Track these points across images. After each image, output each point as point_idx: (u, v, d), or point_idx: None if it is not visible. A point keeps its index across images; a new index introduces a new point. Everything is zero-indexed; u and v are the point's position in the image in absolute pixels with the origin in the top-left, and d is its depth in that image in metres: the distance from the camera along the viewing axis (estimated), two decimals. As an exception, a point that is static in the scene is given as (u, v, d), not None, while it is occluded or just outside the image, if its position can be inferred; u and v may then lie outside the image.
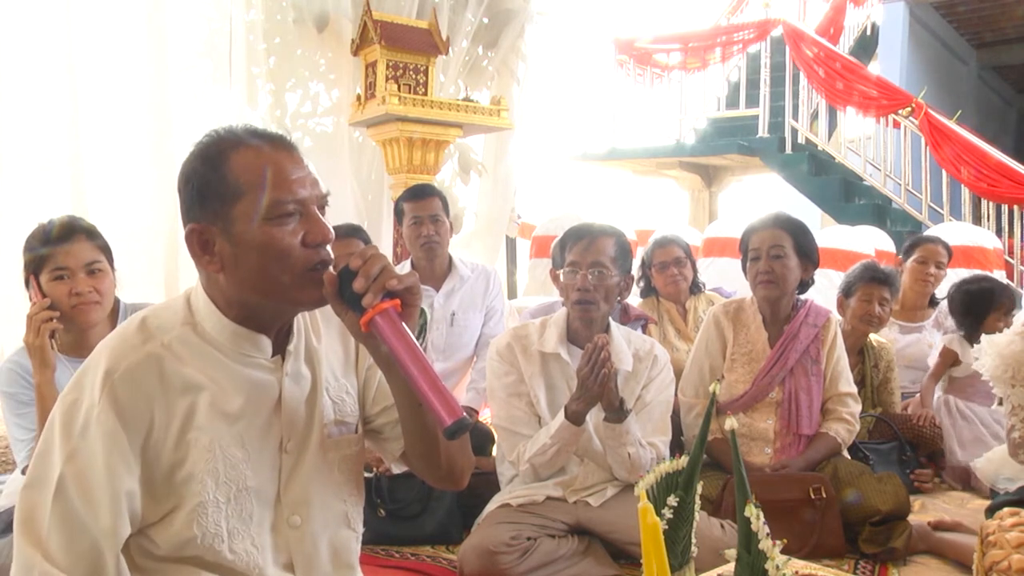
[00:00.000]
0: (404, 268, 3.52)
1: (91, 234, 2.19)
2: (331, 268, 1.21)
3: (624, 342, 2.47)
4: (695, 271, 3.83)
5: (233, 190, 1.19)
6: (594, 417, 2.35)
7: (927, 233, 4.20)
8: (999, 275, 5.25)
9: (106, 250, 2.20)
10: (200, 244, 1.22)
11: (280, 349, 1.31)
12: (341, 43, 4.52)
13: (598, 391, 2.24)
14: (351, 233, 2.92)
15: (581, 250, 2.40)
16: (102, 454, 1.15)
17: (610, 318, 2.51)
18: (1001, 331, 3.25)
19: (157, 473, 1.20)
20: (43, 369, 2.08)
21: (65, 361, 2.17)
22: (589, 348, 2.23)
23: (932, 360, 3.58)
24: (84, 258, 2.14)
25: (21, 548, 1.14)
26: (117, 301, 2.27)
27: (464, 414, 1.12)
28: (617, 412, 2.31)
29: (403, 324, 1.16)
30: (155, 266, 3.98)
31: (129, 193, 4.00)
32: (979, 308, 3.43)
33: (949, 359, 3.49)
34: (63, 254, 2.12)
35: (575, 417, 2.28)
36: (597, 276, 2.37)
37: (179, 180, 1.25)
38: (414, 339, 1.16)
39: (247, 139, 1.22)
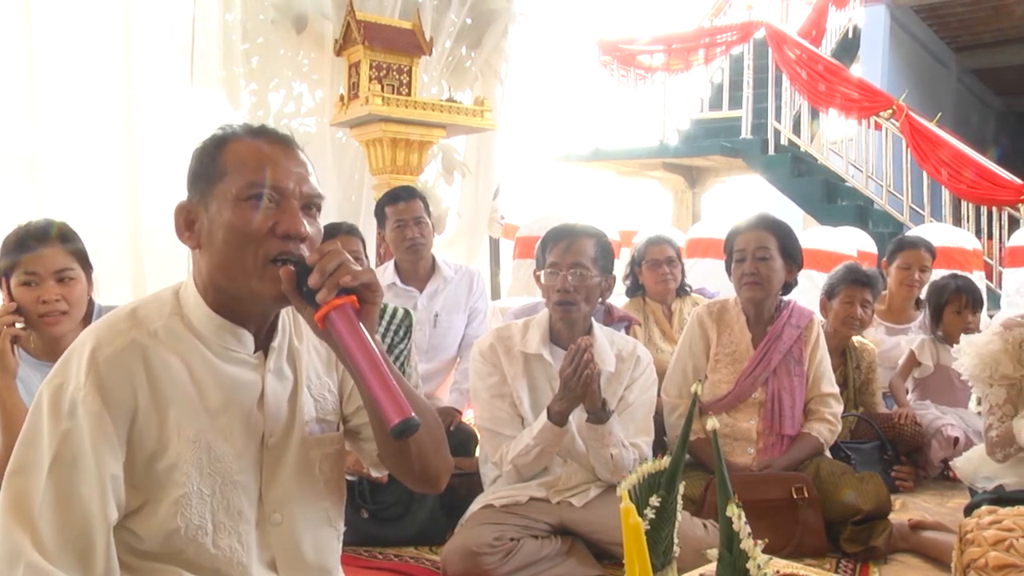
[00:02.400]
0: (388, 269, 3.51)
1: (66, 239, 2.12)
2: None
3: (607, 343, 2.48)
4: (683, 274, 3.86)
5: (219, 171, 1.23)
6: (577, 418, 2.35)
7: (910, 235, 4.23)
8: (978, 276, 5.31)
9: (81, 256, 2.14)
10: (186, 223, 1.26)
11: (264, 346, 1.31)
12: (323, 43, 4.50)
13: (580, 392, 2.24)
14: (350, 231, 2.89)
15: (561, 251, 2.40)
16: (89, 436, 1.15)
17: (593, 319, 2.52)
18: (963, 326, 3.32)
19: (139, 460, 1.20)
20: (2, 375, 2.03)
21: (36, 365, 2.14)
22: (572, 349, 2.23)
23: (903, 360, 3.65)
24: (54, 265, 2.08)
25: (9, 532, 1.13)
26: (92, 303, 2.24)
27: (412, 414, 1.11)
28: (599, 413, 2.31)
29: (358, 321, 1.15)
30: (121, 267, 3.93)
31: (93, 195, 3.95)
32: (935, 303, 3.51)
33: (912, 360, 3.60)
34: (33, 259, 2.07)
35: (557, 418, 2.28)
36: (577, 277, 2.37)
37: None
38: (368, 336, 1.15)
39: (250, 133, 1.27)
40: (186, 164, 1.29)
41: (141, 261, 3.95)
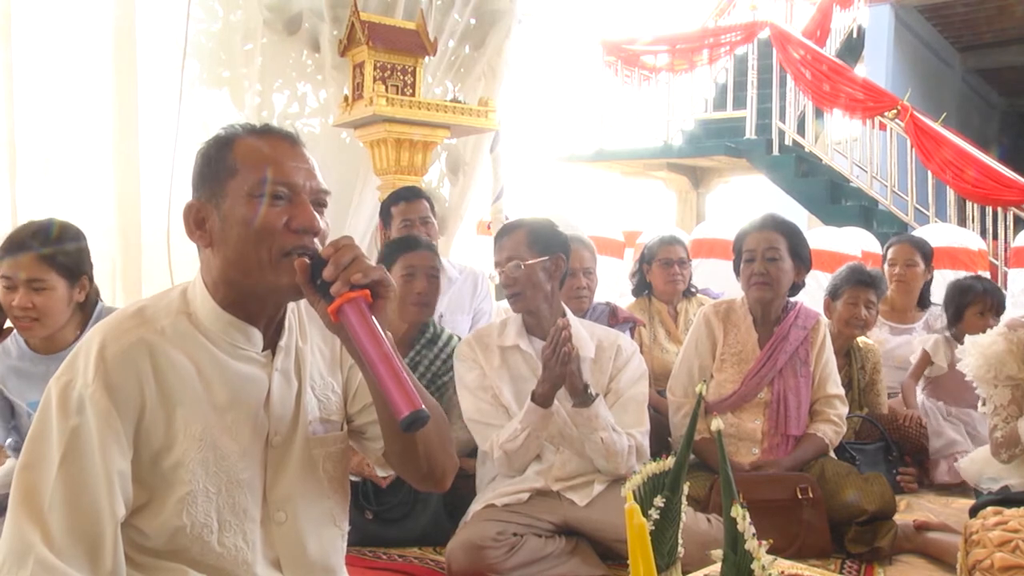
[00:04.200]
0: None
1: (47, 246, 2.10)
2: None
3: (585, 332, 2.52)
4: (690, 275, 3.87)
5: (229, 169, 1.24)
6: (565, 406, 2.38)
7: (900, 235, 4.28)
8: (983, 276, 5.30)
9: (60, 264, 2.12)
10: (196, 221, 1.27)
11: (271, 345, 1.32)
12: (318, 45, 4.51)
13: (560, 372, 2.28)
14: (429, 247, 2.81)
15: (497, 250, 2.52)
16: (97, 433, 1.16)
17: (568, 309, 2.56)
18: (983, 329, 3.32)
19: (145, 457, 1.21)
20: None
21: (34, 358, 2.15)
22: (553, 330, 2.29)
23: (913, 359, 3.63)
24: (26, 273, 2.08)
25: (19, 527, 1.13)
26: (94, 304, 2.25)
27: (423, 406, 1.11)
28: (583, 396, 2.34)
29: (370, 314, 1.16)
30: (115, 267, 3.92)
31: (89, 195, 3.95)
32: (958, 301, 3.50)
33: (925, 360, 3.57)
34: (12, 264, 2.08)
35: (541, 399, 2.32)
36: (512, 268, 2.45)
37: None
38: (380, 330, 1.16)
39: (256, 132, 1.28)
40: (181, 164, 1.31)
41: (138, 261, 3.95)
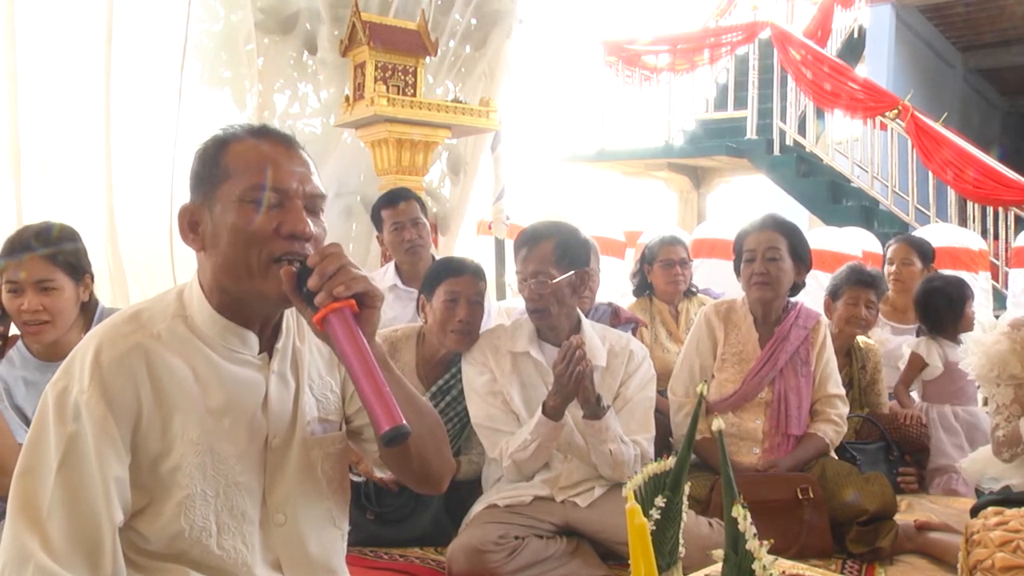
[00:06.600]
0: (388, 271, 3.51)
1: (48, 246, 2.09)
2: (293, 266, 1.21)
3: (598, 339, 2.49)
4: (691, 275, 3.87)
5: (222, 173, 1.23)
6: (574, 414, 2.37)
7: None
8: (984, 276, 5.31)
9: (66, 264, 2.11)
10: (190, 224, 1.26)
11: (268, 347, 1.32)
12: (324, 45, 4.51)
13: (573, 388, 2.26)
14: (476, 273, 2.65)
15: (522, 260, 2.44)
16: (93, 439, 1.16)
17: (582, 314, 2.53)
18: (971, 320, 3.34)
19: (143, 462, 1.21)
20: None
21: (39, 365, 2.14)
22: (565, 346, 2.26)
23: (902, 364, 3.61)
24: (34, 275, 2.07)
25: (17, 535, 1.13)
26: (95, 305, 2.24)
27: (403, 422, 1.11)
28: (594, 408, 2.33)
29: (355, 325, 1.16)
30: (113, 269, 3.93)
31: (87, 196, 3.95)
32: (959, 299, 3.49)
33: (917, 364, 3.53)
34: (16, 267, 2.07)
35: (552, 413, 2.30)
36: (539, 284, 2.39)
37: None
38: (364, 341, 1.16)
39: (252, 133, 1.27)
40: (181, 164, 1.30)
41: (130, 261, 3.95)
